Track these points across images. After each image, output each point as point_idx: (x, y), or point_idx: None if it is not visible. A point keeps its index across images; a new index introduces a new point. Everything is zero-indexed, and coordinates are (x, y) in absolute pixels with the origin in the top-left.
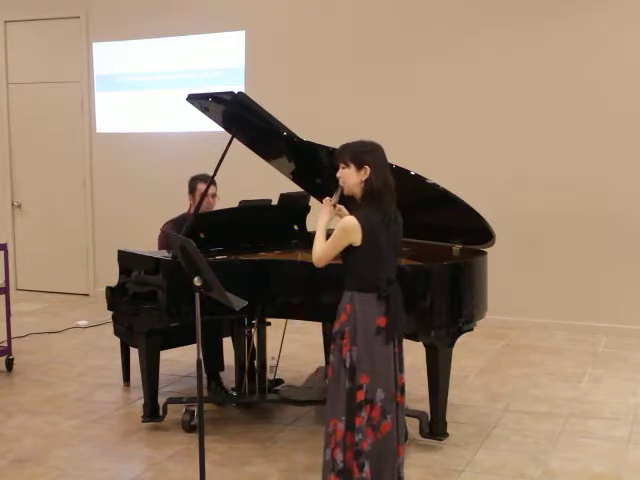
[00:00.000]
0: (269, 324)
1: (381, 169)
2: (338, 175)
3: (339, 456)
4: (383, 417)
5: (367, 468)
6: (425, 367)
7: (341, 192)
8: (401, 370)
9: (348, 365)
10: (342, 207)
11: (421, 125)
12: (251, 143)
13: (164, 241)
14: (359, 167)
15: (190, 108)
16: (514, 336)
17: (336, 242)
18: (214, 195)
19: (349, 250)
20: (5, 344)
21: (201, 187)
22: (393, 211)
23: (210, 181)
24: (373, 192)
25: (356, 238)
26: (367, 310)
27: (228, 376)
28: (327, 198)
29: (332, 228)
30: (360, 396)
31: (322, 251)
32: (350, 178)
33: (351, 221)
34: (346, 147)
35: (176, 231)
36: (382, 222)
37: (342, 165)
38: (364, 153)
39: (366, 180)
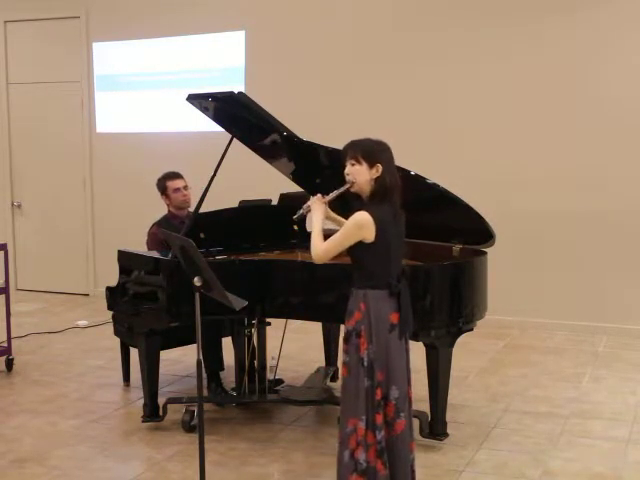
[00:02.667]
0: (269, 324)
1: (391, 168)
2: (347, 172)
3: (362, 456)
4: (397, 415)
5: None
6: (425, 367)
7: (346, 190)
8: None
9: (366, 364)
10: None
11: (421, 125)
12: (251, 143)
13: (151, 244)
14: (371, 165)
15: (190, 108)
16: (514, 336)
17: (347, 237)
18: (185, 187)
19: (360, 247)
20: (5, 344)
21: (171, 184)
22: (399, 209)
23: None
24: (385, 190)
25: (369, 234)
26: (381, 307)
27: (228, 376)
28: (319, 195)
29: (328, 228)
30: (379, 394)
31: (326, 246)
32: (361, 175)
33: (366, 217)
34: (357, 144)
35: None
36: (393, 219)
37: (352, 162)
38: (376, 151)
39: (377, 178)
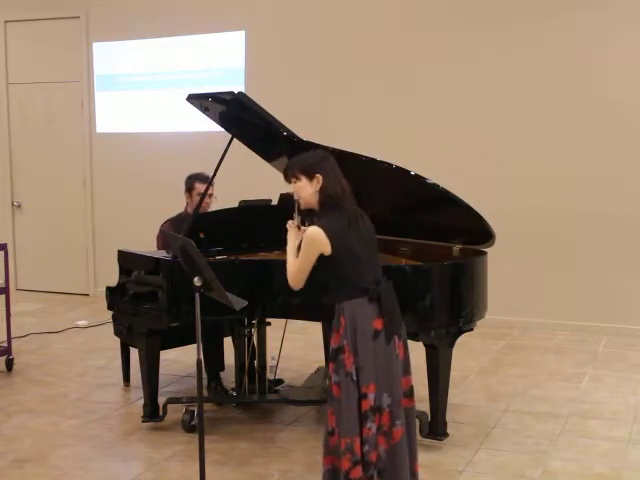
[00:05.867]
0: (269, 324)
1: (333, 175)
2: (292, 190)
3: (360, 474)
4: (393, 423)
5: (376, 478)
6: (425, 367)
7: (298, 208)
8: (407, 372)
9: (355, 378)
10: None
11: (421, 125)
12: (251, 143)
13: (163, 241)
14: (310, 177)
15: (190, 108)
16: (514, 336)
17: (307, 255)
18: (211, 195)
19: (324, 262)
20: (5, 344)
21: (199, 187)
22: (357, 212)
23: (210, 182)
24: (331, 198)
25: (325, 247)
26: (361, 315)
27: (228, 376)
28: (290, 221)
29: None
30: (365, 405)
31: (295, 270)
32: (304, 190)
33: (315, 231)
34: (293, 162)
35: (175, 230)
36: (347, 225)
37: (294, 180)
38: (312, 163)
39: (321, 188)
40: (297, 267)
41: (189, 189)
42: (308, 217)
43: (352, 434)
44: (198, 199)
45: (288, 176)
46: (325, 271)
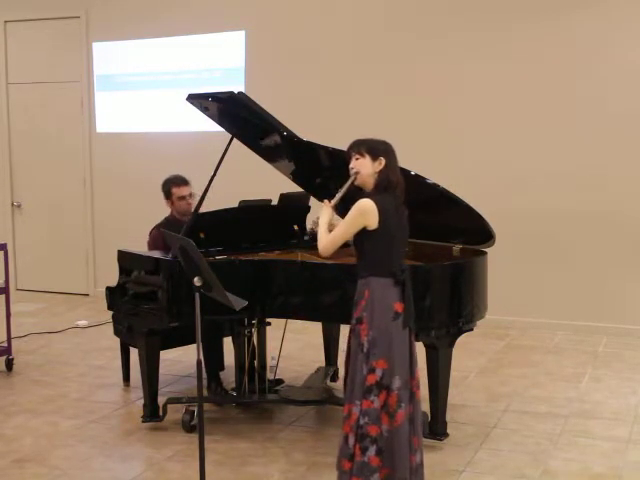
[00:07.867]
0: (269, 324)
1: (395, 164)
2: (351, 165)
3: (351, 440)
4: (398, 406)
5: (371, 453)
6: (425, 367)
7: (351, 183)
8: (416, 364)
9: (365, 350)
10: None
11: (421, 125)
12: (251, 143)
13: (154, 245)
14: (374, 158)
15: (190, 108)
16: (514, 336)
17: (351, 224)
18: (191, 195)
19: (363, 235)
20: (5, 344)
21: (176, 191)
22: (403, 203)
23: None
24: (387, 182)
25: (372, 221)
26: (384, 294)
27: (228, 376)
28: (326, 200)
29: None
30: (371, 379)
31: (332, 236)
32: (365, 167)
33: (368, 203)
34: (361, 140)
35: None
36: (395, 210)
37: (357, 156)
38: (379, 148)
39: (380, 171)
40: (335, 234)
41: (167, 194)
42: (359, 195)
43: (353, 400)
44: (179, 203)
45: (352, 151)
46: (361, 243)
